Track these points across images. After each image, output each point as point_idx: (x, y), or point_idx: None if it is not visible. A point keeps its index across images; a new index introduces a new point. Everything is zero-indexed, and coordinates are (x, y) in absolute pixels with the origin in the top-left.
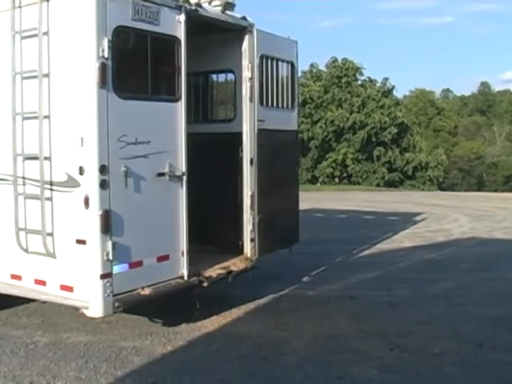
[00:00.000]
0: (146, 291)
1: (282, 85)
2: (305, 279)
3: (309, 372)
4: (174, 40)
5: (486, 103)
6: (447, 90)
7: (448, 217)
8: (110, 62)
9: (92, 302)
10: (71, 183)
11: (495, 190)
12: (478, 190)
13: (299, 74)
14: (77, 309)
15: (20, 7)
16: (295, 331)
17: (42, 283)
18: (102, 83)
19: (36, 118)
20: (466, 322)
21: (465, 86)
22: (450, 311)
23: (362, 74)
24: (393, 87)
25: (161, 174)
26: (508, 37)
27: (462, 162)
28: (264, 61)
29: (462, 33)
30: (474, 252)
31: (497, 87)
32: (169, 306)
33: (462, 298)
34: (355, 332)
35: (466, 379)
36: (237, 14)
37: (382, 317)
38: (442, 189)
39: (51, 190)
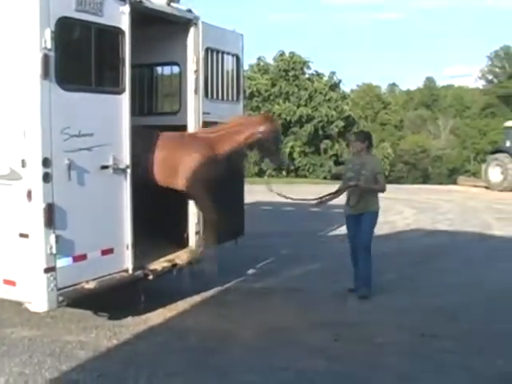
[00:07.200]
0: (91, 285)
1: (227, 77)
2: (250, 272)
3: (254, 364)
4: (118, 31)
5: (430, 98)
6: (393, 85)
7: (393, 209)
8: (52, 53)
9: (36, 296)
10: (14, 176)
11: (440, 183)
12: (424, 182)
13: (246, 67)
14: (20, 303)
15: None
16: (241, 323)
17: None
18: (45, 74)
19: None
20: (409, 313)
21: (410, 81)
22: (394, 302)
23: (309, 67)
24: (340, 81)
25: (105, 167)
26: (451, 33)
27: (408, 155)
28: (209, 53)
29: (408, 29)
30: (417, 243)
31: (441, 82)
32: (114, 299)
33: (406, 288)
34: (301, 323)
35: (409, 367)
36: (182, 6)
37: (328, 308)
38: (388, 182)
39: None
